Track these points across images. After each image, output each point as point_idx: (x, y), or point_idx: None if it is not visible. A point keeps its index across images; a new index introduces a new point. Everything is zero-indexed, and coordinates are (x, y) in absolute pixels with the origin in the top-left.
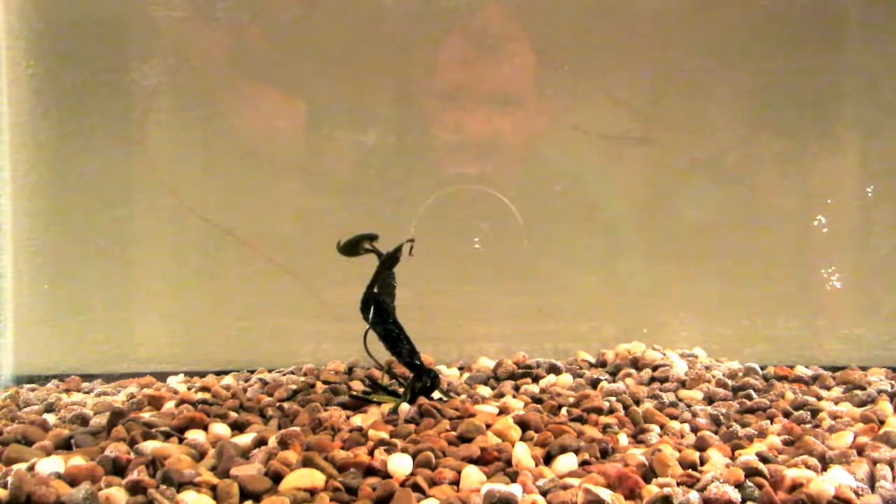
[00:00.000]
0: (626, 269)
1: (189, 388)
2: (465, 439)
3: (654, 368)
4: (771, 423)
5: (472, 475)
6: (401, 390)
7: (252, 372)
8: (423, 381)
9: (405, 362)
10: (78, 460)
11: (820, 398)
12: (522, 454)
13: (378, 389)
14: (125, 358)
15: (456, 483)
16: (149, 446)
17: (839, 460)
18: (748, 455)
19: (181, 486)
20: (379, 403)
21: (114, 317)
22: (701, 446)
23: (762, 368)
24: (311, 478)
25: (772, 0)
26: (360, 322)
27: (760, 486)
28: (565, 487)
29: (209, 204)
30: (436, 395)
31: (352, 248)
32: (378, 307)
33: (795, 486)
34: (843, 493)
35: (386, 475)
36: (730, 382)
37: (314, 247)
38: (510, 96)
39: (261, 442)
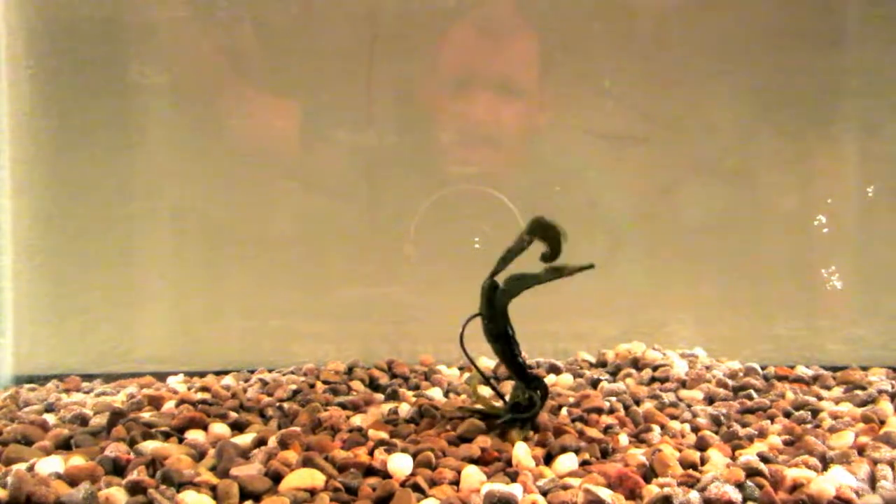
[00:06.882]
0: (626, 268)
1: (189, 388)
2: (465, 439)
3: (655, 368)
4: (771, 423)
5: (473, 475)
6: (498, 403)
7: (252, 372)
8: (533, 392)
9: (516, 365)
10: (78, 460)
11: (820, 398)
12: (522, 454)
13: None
14: (125, 358)
15: (456, 483)
16: (149, 446)
17: (840, 460)
18: (749, 455)
19: (181, 486)
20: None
21: (114, 317)
22: (701, 446)
23: (762, 368)
24: (311, 478)
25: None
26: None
27: (761, 487)
28: (565, 487)
29: (209, 203)
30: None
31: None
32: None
33: (796, 487)
34: (844, 494)
35: (386, 475)
36: (730, 382)
37: (314, 247)
38: (511, 96)
39: (261, 442)
